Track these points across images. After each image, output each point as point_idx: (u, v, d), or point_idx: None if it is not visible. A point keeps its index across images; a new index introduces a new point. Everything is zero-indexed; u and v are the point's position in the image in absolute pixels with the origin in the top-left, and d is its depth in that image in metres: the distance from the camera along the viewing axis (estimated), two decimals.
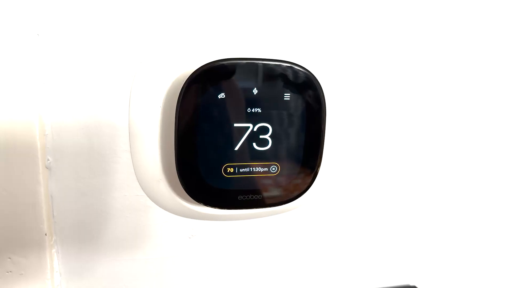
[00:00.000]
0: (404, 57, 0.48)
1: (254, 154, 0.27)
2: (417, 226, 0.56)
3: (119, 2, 0.39)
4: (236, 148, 0.27)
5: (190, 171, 0.26)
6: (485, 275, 0.63)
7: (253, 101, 0.26)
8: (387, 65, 0.48)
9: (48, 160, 0.42)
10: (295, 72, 0.26)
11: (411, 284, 0.59)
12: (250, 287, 0.53)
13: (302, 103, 0.27)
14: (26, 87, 0.38)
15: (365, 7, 0.45)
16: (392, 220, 0.55)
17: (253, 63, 0.26)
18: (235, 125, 0.26)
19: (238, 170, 0.27)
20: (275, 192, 0.28)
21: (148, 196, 0.29)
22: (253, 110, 0.26)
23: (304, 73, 0.27)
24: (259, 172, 0.28)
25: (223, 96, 0.25)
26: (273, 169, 0.28)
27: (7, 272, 0.43)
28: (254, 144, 0.27)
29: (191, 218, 0.30)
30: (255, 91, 0.26)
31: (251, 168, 0.27)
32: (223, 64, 0.25)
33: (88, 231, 0.45)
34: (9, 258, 0.43)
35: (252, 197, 0.28)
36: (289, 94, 0.27)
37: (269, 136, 0.27)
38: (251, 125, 0.26)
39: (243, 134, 0.26)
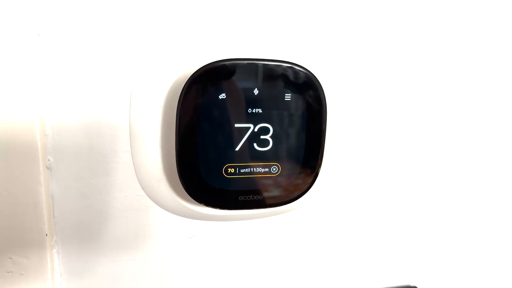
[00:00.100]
0: (405, 57, 0.48)
1: (255, 155, 0.27)
2: (418, 226, 0.56)
3: (120, 3, 0.39)
4: (237, 149, 0.27)
5: (190, 172, 0.26)
6: (485, 275, 0.63)
7: (253, 102, 0.26)
8: (387, 65, 0.48)
9: (48, 160, 0.42)
10: (296, 72, 0.26)
11: (412, 284, 0.59)
12: (250, 287, 0.53)
13: (303, 103, 0.27)
14: (27, 87, 0.38)
15: (365, 8, 0.45)
16: (392, 220, 0.55)
17: (254, 63, 0.26)
18: (236, 125, 0.26)
19: (239, 170, 0.27)
20: (275, 193, 0.28)
21: (149, 196, 0.29)
22: (253, 111, 0.26)
23: (305, 73, 0.27)
24: (259, 173, 0.28)
25: (224, 96, 0.25)
26: (274, 169, 0.28)
27: (8, 272, 0.43)
28: (254, 144, 0.27)
29: (192, 218, 0.30)
30: (255, 91, 0.26)
31: (251, 169, 0.27)
32: (224, 65, 0.25)
33: (88, 231, 0.45)
34: (10, 258, 0.43)
35: (252, 197, 0.28)
36: (289, 95, 0.27)
37: (270, 137, 0.27)
38: (251, 126, 0.26)
39: (244, 134, 0.26)
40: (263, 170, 0.28)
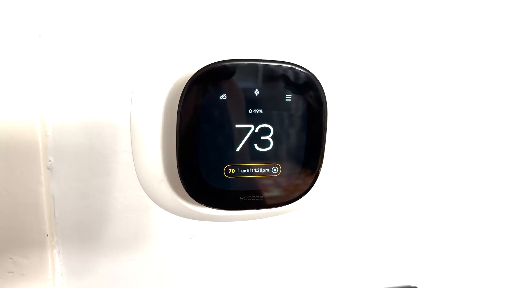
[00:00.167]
0: (405, 58, 0.48)
1: (256, 155, 0.27)
2: (418, 226, 0.56)
3: (121, 3, 0.39)
4: (238, 149, 0.27)
5: (191, 172, 0.26)
6: (485, 275, 0.63)
7: (254, 102, 0.26)
8: (388, 66, 0.48)
9: (49, 160, 0.42)
10: (296, 73, 0.26)
11: (412, 284, 0.59)
12: (251, 287, 0.53)
13: (303, 104, 0.27)
14: (28, 88, 0.39)
15: (366, 8, 0.45)
16: (393, 220, 0.55)
17: (255, 64, 0.26)
18: (237, 126, 0.26)
19: (240, 171, 0.27)
20: (276, 193, 0.28)
21: (149, 197, 0.29)
22: (254, 111, 0.26)
23: (305, 74, 0.27)
24: (260, 173, 0.28)
25: (224, 97, 0.25)
26: (275, 170, 0.28)
27: (9, 272, 0.43)
28: (255, 145, 0.27)
29: (192, 218, 0.30)
30: (256, 92, 0.26)
31: (252, 169, 0.27)
32: (224, 65, 0.25)
33: (89, 232, 0.45)
34: (11, 258, 0.43)
35: (253, 198, 0.28)
36: (290, 95, 0.27)
37: (271, 137, 0.27)
38: (252, 126, 0.27)
39: (245, 135, 0.27)
40: (263, 170, 0.28)
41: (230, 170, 0.27)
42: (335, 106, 0.29)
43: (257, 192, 0.28)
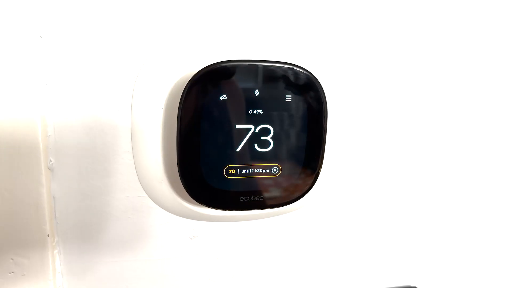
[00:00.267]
0: (406, 58, 0.48)
1: (256, 156, 0.27)
2: (419, 227, 0.56)
3: (121, 4, 0.39)
4: (238, 150, 0.27)
5: (191, 172, 0.26)
6: (485, 275, 0.63)
7: (254, 103, 0.26)
8: (388, 66, 0.48)
9: (50, 161, 0.42)
10: (297, 73, 0.26)
11: (412, 285, 0.59)
12: None
13: (304, 104, 0.27)
14: (28, 88, 0.39)
15: (366, 8, 0.45)
16: (393, 221, 0.55)
17: (255, 64, 0.26)
18: (237, 126, 0.26)
19: (240, 171, 0.27)
20: (276, 193, 0.28)
21: (150, 197, 0.29)
22: (254, 112, 0.26)
23: (306, 74, 0.27)
24: (260, 174, 0.28)
25: (225, 97, 0.26)
26: (275, 170, 0.28)
27: (10, 273, 0.43)
28: (255, 145, 0.27)
29: (193, 219, 0.30)
30: (256, 92, 0.26)
31: (252, 170, 0.27)
32: (225, 66, 0.25)
33: (90, 232, 0.45)
34: (12, 259, 0.43)
35: (253, 198, 0.28)
36: (290, 96, 0.27)
37: (271, 138, 0.27)
38: (252, 127, 0.27)
39: (245, 135, 0.27)
40: (263, 171, 0.28)
41: (230, 170, 0.27)
42: (335, 107, 0.29)
43: (257, 193, 0.28)
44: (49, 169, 0.42)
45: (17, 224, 0.41)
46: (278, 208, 0.29)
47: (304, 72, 0.27)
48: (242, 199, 0.28)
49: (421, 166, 0.53)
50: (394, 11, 0.46)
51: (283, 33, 0.43)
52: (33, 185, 0.41)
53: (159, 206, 0.29)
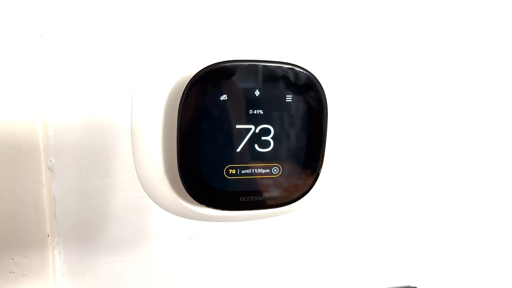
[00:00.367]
0: (406, 58, 0.48)
1: (256, 156, 0.27)
2: (418, 226, 0.56)
3: (122, 4, 0.39)
4: (238, 150, 0.27)
5: (192, 172, 0.26)
6: (485, 275, 0.63)
7: (255, 103, 0.26)
8: (388, 66, 0.48)
9: (50, 161, 0.42)
10: (297, 73, 0.26)
11: (412, 285, 0.59)
12: None
13: (304, 104, 0.27)
14: (29, 89, 0.39)
15: (366, 8, 0.45)
16: (393, 221, 0.55)
17: (255, 65, 0.26)
18: (237, 126, 0.26)
19: (240, 171, 0.27)
20: (276, 193, 0.28)
21: (150, 197, 0.29)
22: (255, 112, 0.26)
23: (306, 74, 0.27)
24: (260, 174, 0.28)
25: (225, 97, 0.26)
26: (275, 170, 0.28)
27: (10, 273, 0.43)
28: (256, 145, 0.27)
29: (193, 219, 0.30)
30: (257, 92, 0.26)
31: (252, 170, 0.27)
32: (225, 66, 0.25)
33: (90, 232, 0.45)
34: (12, 259, 0.43)
35: (254, 198, 0.28)
36: (290, 96, 0.27)
37: (271, 138, 0.27)
38: (253, 127, 0.27)
39: (245, 135, 0.27)
40: (264, 171, 0.28)
41: (231, 170, 0.27)
42: (335, 107, 0.29)
43: (258, 193, 0.28)
44: (49, 169, 0.42)
45: (18, 224, 0.42)
46: (278, 208, 0.29)
47: (304, 72, 0.27)
48: (242, 199, 0.28)
49: (421, 166, 0.53)
50: (394, 11, 0.46)
51: (283, 33, 0.43)
52: (33, 185, 0.41)
53: (159, 206, 0.29)
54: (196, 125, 0.26)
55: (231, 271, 0.52)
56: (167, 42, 0.41)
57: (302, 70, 0.26)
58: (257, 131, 0.27)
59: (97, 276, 0.47)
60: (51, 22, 0.38)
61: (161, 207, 0.29)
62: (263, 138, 0.27)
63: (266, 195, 0.28)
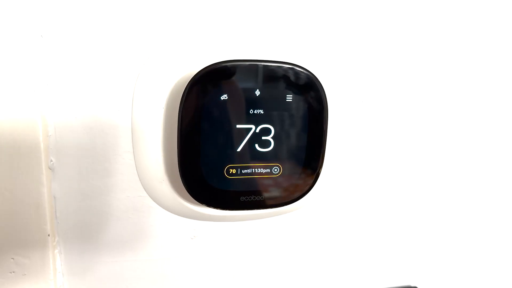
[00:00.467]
0: (406, 58, 0.48)
1: (256, 155, 0.27)
2: (418, 226, 0.56)
3: (122, 4, 0.39)
4: (239, 149, 0.27)
5: (192, 172, 0.27)
6: (485, 275, 0.63)
7: (255, 103, 0.26)
8: (389, 66, 0.48)
9: (51, 161, 0.42)
10: (297, 73, 0.27)
11: (412, 285, 0.59)
12: None
13: (304, 104, 0.27)
14: (29, 88, 0.39)
15: (367, 8, 0.45)
16: (393, 221, 0.55)
17: (256, 64, 0.26)
18: (238, 126, 0.26)
19: (241, 171, 0.27)
20: (277, 193, 0.28)
21: (151, 197, 0.29)
22: (255, 112, 0.26)
23: (306, 74, 0.27)
24: (261, 173, 0.28)
25: (225, 97, 0.26)
26: (275, 170, 0.28)
27: (10, 272, 0.43)
28: (256, 145, 0.27)
29: (193, 219, 0.30)
30: (257, 92, 0.26)
31: (253, 169, 0.27)
32: (225, 66, 0.25)
33: (90, 232, 0.45)
34: (12, 258, 0.43)
35: (254, 198, 0.28)
36: (291, 96, 0.27)
37: (271, 138, 0.27)
38: (253, 127, 0.27)
39: (246, 135, 0.27)
40: (264, 170, 0.28)
41: (231, 170, 0.27)
42: (336, 107, 0.29)
43: (258, 193, 0.28)
44: (50, 169, 0.42)
45: (18, 224, 0.42)
46: (278, 208, 0.29)
47: (305, 72, 0.27)
48: (242, 199, 0.28)
49: (421, 166, 0.53)
50: (394, 11, 0.46)
51: (283, 33, 0.44)
52: (33, 185, 0.41)
53: (159, 206, 0.29)
54: (196, 125, 0.26)
55: (232, 271, 0.52)
56: (167, 42, 0.41)
57: (302, 70, 0.27)
58: (257, 131, 0.27)
59: (98, 276, 0.47)
60: (52, 22, 0.38)
61: (162, 207, 0.29)
62: (263, 138, 0.27)
63: (266, 195, 0.28)
